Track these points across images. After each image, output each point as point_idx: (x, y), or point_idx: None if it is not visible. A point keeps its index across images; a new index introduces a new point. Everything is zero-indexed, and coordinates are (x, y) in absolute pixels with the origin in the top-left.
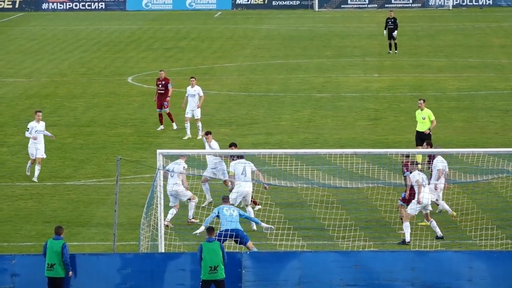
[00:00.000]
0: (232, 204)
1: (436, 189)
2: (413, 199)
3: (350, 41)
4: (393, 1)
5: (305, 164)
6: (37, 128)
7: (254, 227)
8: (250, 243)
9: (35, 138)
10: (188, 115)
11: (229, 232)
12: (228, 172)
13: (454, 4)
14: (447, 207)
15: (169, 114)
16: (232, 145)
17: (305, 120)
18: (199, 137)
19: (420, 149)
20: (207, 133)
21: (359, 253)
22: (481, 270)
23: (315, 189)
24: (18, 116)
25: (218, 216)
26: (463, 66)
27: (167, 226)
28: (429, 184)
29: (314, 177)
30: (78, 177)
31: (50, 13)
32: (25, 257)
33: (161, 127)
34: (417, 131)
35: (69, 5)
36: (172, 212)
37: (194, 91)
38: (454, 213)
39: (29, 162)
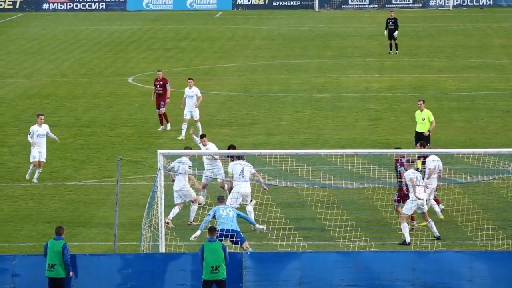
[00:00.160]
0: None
1: (427, 188)
2: (407, 199)
3: (351, 42)
4: (393, 2)
5: (306, 164)
6: (38, 132)
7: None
8: (246, 244)
9: (33, 145)
10: (187, 116)
11: (224, 232)
12: (226, 173)
13: (455, 4)
14: (437, 208)
15: (164, 114)
16: (231, 147)
17: (305, 120)
18: (191, 132)
19: (417, 149)
20: (202, 136)
21: (359, 253)
22: (481, 271)
23: (315, 190)
24: (18, 117)
25: (214, 217)
26: (464, 67)
27: (168, 224)
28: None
29: (315, 177)
30: (79, 178)
31: (51, 13)
32: (25, 258)
33: (162, 127)
34: (417, 132)
35: (70, 5)
36: (174, 211)
37: (192, 92)
38: (442, 217)
39: (31, 165)
